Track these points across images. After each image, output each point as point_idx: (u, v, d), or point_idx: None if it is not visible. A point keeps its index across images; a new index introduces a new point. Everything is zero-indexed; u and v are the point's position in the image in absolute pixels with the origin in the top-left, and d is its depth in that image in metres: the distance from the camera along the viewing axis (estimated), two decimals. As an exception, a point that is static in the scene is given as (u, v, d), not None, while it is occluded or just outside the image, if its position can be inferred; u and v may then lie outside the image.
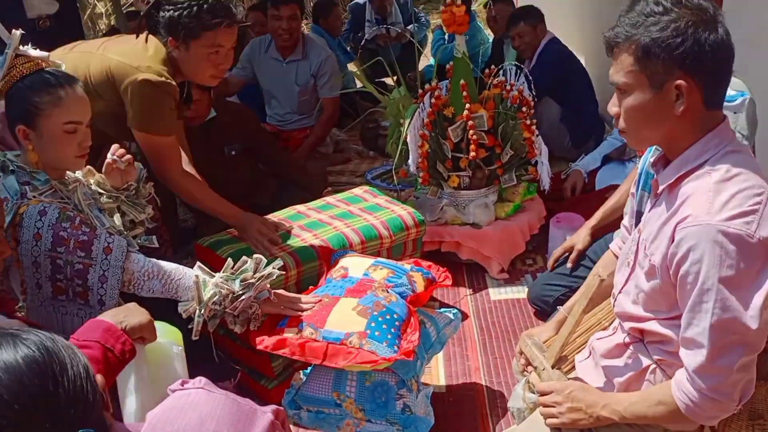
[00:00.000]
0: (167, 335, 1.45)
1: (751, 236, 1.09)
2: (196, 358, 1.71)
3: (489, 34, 4.82)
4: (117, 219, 1.81)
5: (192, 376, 1.79)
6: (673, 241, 1.16)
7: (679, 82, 1.15)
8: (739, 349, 1.12)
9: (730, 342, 1.11)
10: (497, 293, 2.59)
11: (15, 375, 0.77)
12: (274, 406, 1.03)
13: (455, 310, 1.93)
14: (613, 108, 1.26)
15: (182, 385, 1.01)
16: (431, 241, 2.70)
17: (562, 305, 2.01)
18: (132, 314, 1.33)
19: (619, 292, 1.38)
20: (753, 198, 1.12)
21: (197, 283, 1.60)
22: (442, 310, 1.95)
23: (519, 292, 2.53)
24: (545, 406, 1.37)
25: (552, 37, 3.61)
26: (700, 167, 1.19)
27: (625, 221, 1.54)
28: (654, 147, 1.47)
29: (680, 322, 1.19)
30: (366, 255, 2.08)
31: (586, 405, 1.30)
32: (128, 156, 1.82)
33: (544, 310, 2.32)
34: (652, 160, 1.34)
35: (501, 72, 2.74)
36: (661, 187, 1.26)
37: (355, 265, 1.91)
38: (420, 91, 2.69)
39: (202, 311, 1.60)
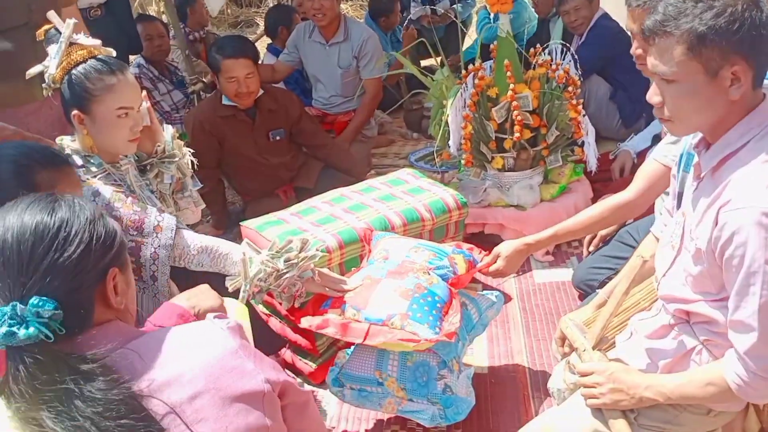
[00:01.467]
0: (236, 313, 1.50)
1: None
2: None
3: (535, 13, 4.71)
4: (168, 201, 1.88)
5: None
6: (716, 224, 1.15)
7: (735, 68, 1.12)
8: None
9: None
10: (542, 276, 2.57)
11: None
12: (284, 379, 1.04)
13: (498, 293, 1.93)
14: (655, 97, 1.22)
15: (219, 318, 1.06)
16: (474, 223, 2.69)
17: (601, 287, 2.00)
18: (205, 298, 1.38)
19: (663, 276, 1.36)
20: None
21: (243, 259, 1.65)
22: (485, 292, 1.95)
23: (564, 275, 2.50)
24: (586, 387, 1.36)
25: (603, 13, 3.49)
26: (742, 147, 1.17)
27: (667, 203, 1.51)
28: None
29: (728, 303, 1.17)
30: (407, 237, 2.09)
31: (627, 386, 1.30)
32: (140, 126, 1.75)
33: (588, 293, 2.29)
34: (694, 141, 1.30)
35: (546, 51, 2.69)
36: (703, 172, 1.23)
37: (396, 247, 1.93)
38: (463, 71, 2.67)
39: (248, 287, 1.65)
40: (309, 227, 2.13)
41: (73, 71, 1.63)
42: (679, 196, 1.40)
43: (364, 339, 1.63)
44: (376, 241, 2.03)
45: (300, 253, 1.69)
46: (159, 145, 1.87)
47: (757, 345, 1.12)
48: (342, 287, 1.76)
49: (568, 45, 2.73)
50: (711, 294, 1.24)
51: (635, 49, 1.85)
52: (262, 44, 4.94)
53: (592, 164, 2.67)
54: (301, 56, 3.62)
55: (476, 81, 2.59)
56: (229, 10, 8.60)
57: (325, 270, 1.81)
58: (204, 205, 2.03)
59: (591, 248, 2.38)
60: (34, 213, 0.91)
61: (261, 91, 2.79)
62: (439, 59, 3.03)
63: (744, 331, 1.14)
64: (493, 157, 2.64)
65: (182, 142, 1.96)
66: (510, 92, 2.50)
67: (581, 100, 2.59)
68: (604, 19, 3.42)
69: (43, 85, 1.70)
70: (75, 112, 1.65)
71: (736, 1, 1.10)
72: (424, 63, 4.87)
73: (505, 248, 1.85)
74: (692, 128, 1.25)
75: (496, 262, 1.85)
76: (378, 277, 1.78)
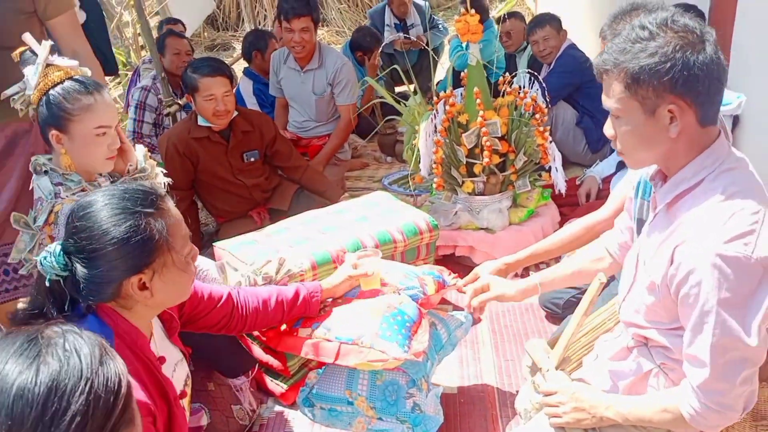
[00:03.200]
0: None
1: (749, 257, 1.10)
2: (218, 349, 1.79)
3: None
4: None
5: (212, 368, 1.87)
6: (672, 262, 1.18)
7: (671, 106, 1.15)
8: (741, 365, 1.15)
9: (732, 359, 1.15)
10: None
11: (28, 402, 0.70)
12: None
13: (467, 313, 1.97)
14: (608, 131, 1.28)
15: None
16: (446, 245, 2.75)
17: (573, 308, 2.06)
18: None
19: (623, 300, 1.41)
20: (750, 218, 1.13)
21: (222, 269, 1.67)
22: (454, 313, 1.99)
23: (531, 297, 2.55)
24: (549, 405, 1.40)
25: (570, 43, 3.64)
26: (696, 186, 1.20)
27: (621, 223, 1.57)
28: None
29: (680, 332, 1.22)
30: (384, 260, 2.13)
31: (589, 405, 1.34)
32: (117, 144, 1.78)
33: (555, 312, 2.36)
34: (650, 172, 1.35)
35: (515, 80, 2.79)
36: (659, 206, 1.28)
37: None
38: (435, 98, 2.74)
39: None
40: (283, 248, 2.16)
41: (51, 92, 1.66)
42: (639, 223, 1.46)
43: (335, 359, 1.65)
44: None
45: (278, 273, 1.72)
46: (131, 164, 1.89)
47: (709, 380, 1.16)
48: None
49: (535, 74, 2.83)
50: (663, 323, 1.29)
51: (606, 129, 1.91)
52: (239, 67, 4.99)
53: (561, 186, 2.75)
54: (279, 81, 3.68)
55: (447, 107, 2.66)
56: (205, 33, 8.66)
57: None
58: None
59: None
60: (15, 370, 0.71)
61: (235, 113, 2.83)
62: (411, 86, 3.11)
63: (697, 366, 1.18)
64: (463, 182, 2.70)
65: (155, 162, 1.98)
66: (480, 119, 2.58)
67: (548, 127, 2.68)
68: (571, 49, 3.55)
69: (19, 106, 1.72)
70: (53, 131, 1.67)
71: (669, 42, 1.13)
72: (397, 89, 4.97)
73: (484, 268, 1.87)
74: (641, 162, 1.29)
75: (475, 281, 1.86)
76: (349, 297, 1.82)
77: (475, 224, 2.76)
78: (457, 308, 2.39)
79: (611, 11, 1.99)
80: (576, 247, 2.10)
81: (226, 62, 4.03)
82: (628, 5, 1.86)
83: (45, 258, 1.19)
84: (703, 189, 1.19)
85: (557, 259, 2.45)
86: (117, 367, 0.77)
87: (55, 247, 1.20)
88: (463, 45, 4.91)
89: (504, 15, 4.11)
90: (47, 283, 1.19)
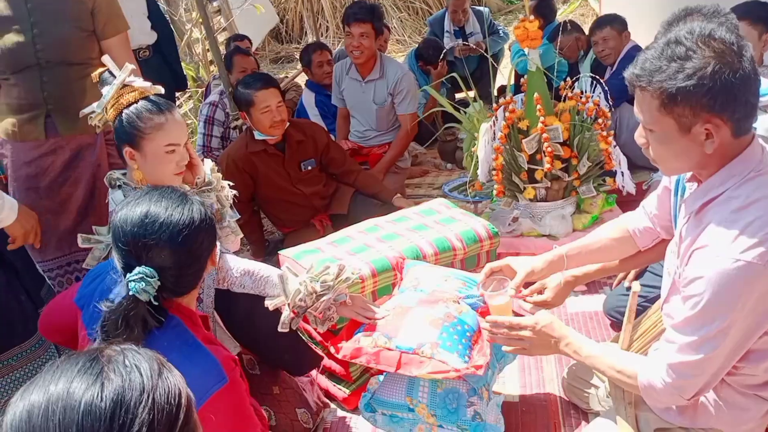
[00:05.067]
0: None
1: (763, 266, 1.11)
2: (283, 348, 1.85)
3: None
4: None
5: (279, 367, 1.94)
6: (687, 262, 1.22)
7: (708, 125, 1.14)
8: (716, 364, 1.20)
9: (712, 357, 1.19)
10: (574, 305, 2.57)
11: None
12: None
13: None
14: (641, 139, 1.27)
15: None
16: (507, 252, 2.72)
17: (637, 316, 2.01)
18: None
19: (665, 302, 1.41)
20: None
21: (282, 275, 1.73)
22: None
23: (596, 305, 2.50)
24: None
25: (634, 44, 3.55)
26: (721, 195, 1.21)
27: (649, 208, 1.59)
28: None
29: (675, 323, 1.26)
30: (438, 266, 2.14)
31: (554, 338, 1.48)
32: (186, 160, 1.87)
33: (619, 320, 2.29)
34: (687, 175, 1.35)
35: (576, 85, 2.74)
36: (688, 210, 1.29)
37: (427, 276, 1.98)
38: (494, 105, 2.74)
39: (288, 306, 1.72)
40: (344, 255, 2.20)
41: (125, 111, 1.76)
42: (676, 221, 1.45)
43: (396, 369, 1.67)
44: (407, 269, 2.09)
45: (336, 280, 1.76)
46: (199, 178, 1.98)
47: (683, 365, 1.22)
48: (373, 314, 1.82)
49: (598, 78, 2.78)
50: None
51: (637, 137, 1.88)
52: (302, 79, 5.12)
53: (630, 187, 2.68)
54: (342, 92, 3.76)
55: (507, 114, 2.65)
56: (270, 46, 8.92)
57: (357, 295, 1.87)
58: (242, 235, 2.13)
59: (626, 282, 2.37)
60: (81, 388, 0.74)
61: (287, 123, 2.91)
62: (471, 93, 3.11)
63: (679, 350, 1.22)
64: (525, 188, 2.68)
65: (220, 175, 2.07)
66: (540, 125, 2.55)
67: (612, 132, 2.63)
68: (635, 50, 3.46)
69: (96, 122, 1.84)
70: (127, 148, 1.78)
71: (707, 63, 1.11)
72: (457, 96, 4.97)
73: (552, 280, 1.85)
74: (675, 171, 1.32)
75: (542, 293, 1.85)
76: (409, 306, 1.84)
77: (538, 231, 2.72)
78: (517, 315, 2.36)
79: (675, 10, 1.94)
80: (653, 261, 2.02)
81: (290, 74, 4.16)
82: (681, 10, 1.80)
83: (136, 282, 1.23)
84: (727, 197, 1.20)
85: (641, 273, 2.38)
86: (176, 379, 0.80)
87: (142, 269, 1.25)
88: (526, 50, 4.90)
89: (560, 27, 4.05)
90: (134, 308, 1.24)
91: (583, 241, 1.76)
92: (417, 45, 5.14)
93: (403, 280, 2.05)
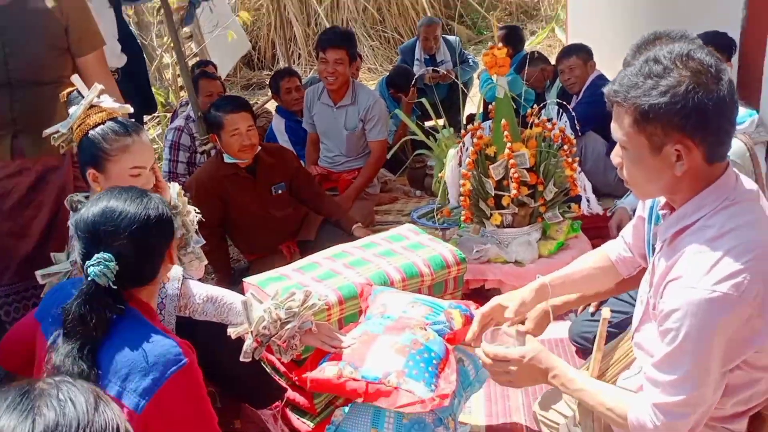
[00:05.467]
0: None
1: (740, 297, 1.09)
2: (245, 379, 1.79)
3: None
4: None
5: (241, 400, 1.88)
6: (662, 297, 1.19)
7: (678, 146, 1.13)
8: (704, 400, 1.16)
9: (699, 394, 1.15)
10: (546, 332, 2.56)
11: None
12: None
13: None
14: (615, 158, 1.26)
15: None
16: (474, 279, 2.72)
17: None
18: None
19: (636, 330, 1.40)
20: (744, 256, 1.11)
21: (246, 301, 1.69)
22: (482, 348, 1.95)
23: (562, 332, 2.50)
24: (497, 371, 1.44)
25: (599, 73, 3.64)
26: (695, 223, 1.19)
27: (626, 237, 1.57)
28: None
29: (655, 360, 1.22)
30: (405, 291, 2.12)
31: (541, 370, 1.38)
32: (151, 184, 1.84)
33: (585, 347, 2.29)
34: (661, 202, 1.34)
35: (543, 112, 2.78)
36: (661, 239, 1.27)
37: (393, 303, 1.96)
38: (462, 131, 2.76)
39: (251, 335, 1.68)
40: (310, 282, 2.17)
41: (91, 132, 1.72)
42: (652, 249, 1.44)
43: (363, 399, 1.64)
44: (374, 296, 2.06)
45: (301, 307, 1.73)
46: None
47: (669, 405, 1.17)
48: (339, 342, 1.78)
49: (564, 104, 2.82)
50: None
51: (613, 156, 1.91)
52: (273, 105, 5.11)
53: (596, 208, 2.70)
54: (312, 117, 3.76)
55: (475, 140, 2.67)
56: (240, 73, 8.91)
57: (322, 323, 1.84)
58: (207, 262, 2.08)
59: (591, 308, 2.38)
60: (10, 425, 0.71)
61: (258, 148, 2.89)
62: (441, 121, 3.14)
63: (663, 389, 1.18)
64: (491, 214, 2.69)
65: (186, 199, 2.03)
66: (507, 151, 2.57)
67: (577, 158, 2.66)
68: (599, 79, 3.56)
69: (60, 143, 1.79)
70: (90, 170, 1.73)
71: (682, 81, 1.11)
72: (427, 124, 5.01)
73: (533, 310, 1.80)
74: (648, 194, 1.30)
75: (523, 323, 1.83)
76: (375, 333, 1.80)
77: (504, 257, 2.73)
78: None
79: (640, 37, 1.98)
80: (631, 288, 2.02)
81: (261, 100, 4.16)
82: (650, 34, 1.85)
83: (95, 266, 1.25)
84: (700, 226, 1.18)
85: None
86: (114, 413, 0.77)
87: (100, 255, 1.27)
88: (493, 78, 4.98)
89: (527, 57, 4.13)
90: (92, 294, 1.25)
91: (565, 271, 1.73)
92: (388, 73, 5.19)
93: (370, 306, 2.02)
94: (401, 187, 4.14)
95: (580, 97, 3.53)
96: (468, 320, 1.93)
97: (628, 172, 1.24)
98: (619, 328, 2.15)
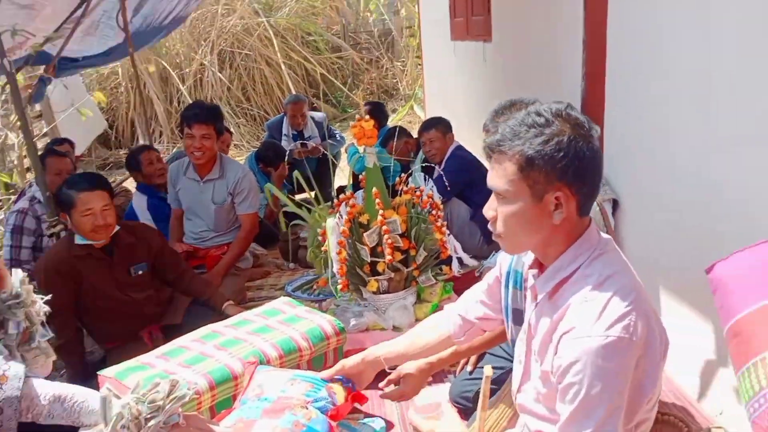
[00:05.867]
0: None
1: (630, 338, 1.13)
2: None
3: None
4: (14, 354, 1.68)
5: None
6: (557, 352, 1.19)
7: (558, 193, 1.18)
8: None
9: None
10: (421, 397, 2.52)
11: None
12: None
13: (379, 420, 1.87)
14: (490, 212, 1.27)
15: None
16: (354, 349, 2.64)
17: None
18: None
19: (518, 392, 1.39)
20: (625, 299, 1.16)
21: (105, 401, 1.49)
22: (366, 420, 1.88)
23: (443, 393, 2.48)
24: None
25: (458, 145, 3.86)
26: (573, 273, 1.23)
27: (476, 296, 1.59)
28: None
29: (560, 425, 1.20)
30: (283, 368, 2.01)
31: None
32: None
33: (467, 407, 2.28)
34: (527, 261, 1.37)
35: (410, 180, 2.87)
36: (540, 296, 1.29)
37: (270, 382, 1.84)
38: (335, 201, 2.75)
39: None
40: (177, 369, 1.99)
41: None
42: (516, 312, 1.46)
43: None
44: (250, 376, 1.93)
45: (167, 399, 1.55)
46: (4, 292, 1.70)
47: None
48: None
49: (431, 170, 2.93)
50: None
51: (487, 210, 1.99)
52: (133, 183, 4.84)
53: (466, 260, 2.76)
54: (177, 192, 3.59)
55: (348, 209, 2.67)
56: (96, 152, 8.46)
57: (193, 414, 1.67)
58: (55, 357, 1.84)
59: (469, 367, 2.40)
60: None
61: (117, 227, 2.69)
62: (312, 193, 3.12)
63: None
64: (368, 281, 2.67)
65: (32, 287, 1.80)
66: (380, 218, 2.59)
67: (445, 222, 2.74)
68: (459, 150, 3.78)
69: None
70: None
71: (564, 132, 1.17)
72: (298, 197, 4.99)
73: (407, 368, 1.80)
74: (520, 247, 1.29)
75: (398, 383, 1.79)
76: (252, 419, 1.67)
77: (382, 324, 2.70)
78: (368, 415, 2.26)
79: (485, 119, 2.10)
80: (500, 340, 2.06)
81: (119, 179, 3.91)
82: (506, 101, 1.97)
83: None
84: (581, 275, 1.22)
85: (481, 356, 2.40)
86: None
87: None
88: (360, 150, 5.12)
89: (391, 132, 4.31)
90: None
91: (401, 345, 1.74)
92: (255, 149, 5.15)
93: (247, 388, 1.88)
94: (274, 261, 4.03)
95: (443, 166, 3.69)
96: (350, 392, 1.86)
97: (506, 223, 1.24)
98: (496, 384, 2.18)
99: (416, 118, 8.63)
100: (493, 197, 1.27)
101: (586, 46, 3.05)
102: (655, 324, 1.19)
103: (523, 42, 4.07)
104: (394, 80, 10.42)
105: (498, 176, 1.22)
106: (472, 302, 1.62)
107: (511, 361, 2.18)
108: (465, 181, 3.58)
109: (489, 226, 1.31)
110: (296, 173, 3.31)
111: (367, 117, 2.73)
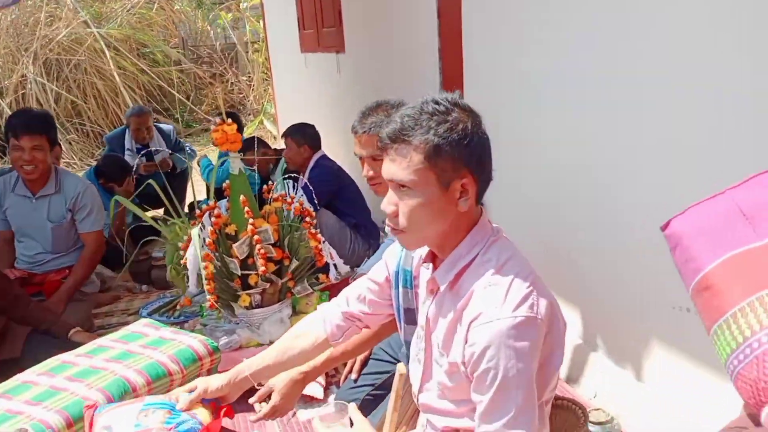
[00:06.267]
0: None
1: (536, 317, 1.15)
2: None
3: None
4: None
5: None
6: (467, 341, 1.18)
7: (464, 180, 1.18)
8: (539, 427, 1.17)
9: (534, 424, 1.15)
10: (305, 413, 2.41)
11: None
12: None
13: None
14: (390, 207, 1.22)
15: None
16: (227, 369, 2.46)
17: (371, 407, 1.96)
18: None
19: (420, 392, 1.36)
20: (526, 280, 1.18)
21: None
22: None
23: (328, 407, 2.39)
24: None
25: (323, 154, 3.81)
26: (473, 261, 1.23)
27: (370, 293, 1.52)
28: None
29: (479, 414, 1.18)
30: (130, 402, 1.73)
31: None
32: None
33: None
34: (414, 261, 1.36)
35: (275, 189, 2.75)
36: (441, 287, 1.27)
37: (120, 419, 1.59)
38: (197, 212, 2.55)
39: None
40: (24, 409, 1.69)
41: None
42: (408, 312, 1.43)
43: None
44: (96, 414, 1.66)
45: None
46: None
47: None
48: None
49: (295, 179, 2.84)
50: (470, 402, 1.25)
51: (367, 172, 1.95)
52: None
53: (340, 266, 2.68)
54: (4, 211, 3.12)
55: (213, 219, 2.49)
56: None
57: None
58: None
59: (353, 375, 2.33)
60: None
61: None
62: (160, 211, 2.87)
63: None
64: (239, 295, 2.50)
65: None
66: (250, 227, 2.44)
67: (318, 230, 2.66)
68: (323, 159, 3.72)
69: None
70: None
71: (466, 119, 1.17)
72: (149, 214, 4.61)
73: (278, 381, 1.69)
74: (423, 240, 1.26)
75: (269, 398, 1.66)
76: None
77: (257, 340, 2.54)
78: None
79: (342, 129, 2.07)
80: (375, 342, 2.03)
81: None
82: (373, 103, 1.96)
83: None
84: (480, 262, 1.22)
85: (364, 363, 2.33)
86: None
87: None
88: (212, 165, 4.89)
89: (247, 143, 4.17)
90: None
91: (268, 354, 1.61)
92: (92, 166, 4.66)
93: None
94: (123, 284, 3.67)
95: (307, 176, 3.62)
96: (214, 407, 1.68)
97: (410, 216, 1.20)
98: (385, 389, 2.14)
99: (267, 132, 8.45)
100: (391, 192, 1.22)
101: (442, 53, 3.17)
102: (554, 302, 1.22)
103: (378, 52, 4.14)
104: (241, 95, 10.14)
105: (401, 168, 1.18)
106: (355, 300, 1.55)
107: (394, 365, 2.17)
108: (332, 190, 3.54)
109: (387, 222, 1.26)
110: (153, 183, 3.03)
111: (230, 120, 2.58)
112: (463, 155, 1.16)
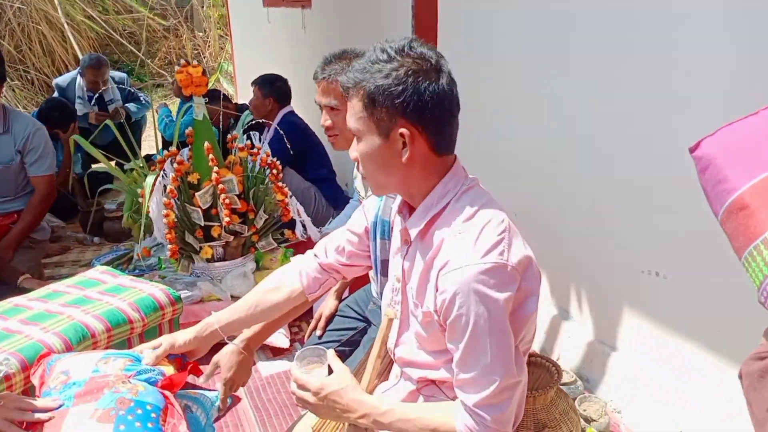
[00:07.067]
0: None
1: (506, 265, 1.13)
2: None
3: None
4: None
5: None
6: (437, 289, 1.17)
7: (402, 130, 1.15)
8: (515, 380, 1.15)
9: (510, 374, 1.14)
10: (267, 368, 2.39)
11: None
12: None
13: (218, 393, 1.67)
14: (352, 153, 1.25)
15: None
16: (188, 322, 2.39)
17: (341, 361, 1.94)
18: None
19: (396, 345, 1.35)
20: (498, 227, 1.16)
21: None
22: (204, 392, 1.67)
23: (290, 364, 2.37)
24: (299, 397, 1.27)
25: (290, 110, 3.70)
26: (444, 209, 1.22)
27: (348, 245, 1.49)
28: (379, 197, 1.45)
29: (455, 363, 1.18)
30: (92, 351, 1.67)
31: (341, 409, 1.23)
32: None
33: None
34: (394, 207, 1.35)
35: (242, 139, 2.66)
36: (412, 237, 1.26)
37: (77, 366, 1.52)
38: (158, 157, 2.45)
39: None
40: (-28, 350, 1.60)
41: None
42: (384, 263, 1.41)
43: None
44: (49, 366, 1.59)
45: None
46: None
47: (488, 398, 1.13)
48: (35, 408, 1.32)
49: (257, 131, 2.75)
50: (448, 353, 1.24)
51: (324, 121, 1.90)
52: None
53: (313, 233, 2.64)
54: None
55: (175, 166, 2.40)
56: None
57: (5, 393, 1.35)
58: None
59: (318, 331, 2.30)
60: None
61: None
62: (112, 163, 2.75)
63: (475, 386, 1.14)
64: (201, 247, 2.43)
65: None
66: (214, 176, 2.37)
67: (285, 184, 2.60)
68: (291, 116, 3.61)
69: None
70: None
71: (401, 66, 1.15)
72: (94, 166, 4.41)
73: (223, 357, 1.62)
74: (383, 187, 1.26)
75: (215, 374, 1.59)
76: (64, 408, 1.37)
77: (218, 295, 2.48)
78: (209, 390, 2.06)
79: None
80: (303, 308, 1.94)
81: None
82: (338, 51, 1.90)
83: None
84: (451, 210, 1.21)
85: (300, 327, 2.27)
86: None
87: None
88: (172, 116, 4.70)
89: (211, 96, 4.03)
90: None
91: (241, 310, 1.53)
92: (36, 109, 4.40)
93: (46, 382, 1.56)
94: (74, 235, 3.52)
95: (271, 132, 3.52)
96: (180, 362, 1.63)
97: (363, 163, 1.22)
98: (350, 345, 2.13)
99: (224, 90, 8.20)
100: (355, 138, 1.23)
101: (416, 10, 3.09)
102: (530, 255, 1.21)
103: (347, 7, 4.02)
104: (195, 51, 9.78)
105: (350, 115, 1.20)
106: (333, 251, 1.51)
107: (363, 322, 2.15)
108: (299, 148, 3.44)
109: (356, 168, 1.26)
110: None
111: (195, 62, 2.47)
112: (397, 104, 1.14)
